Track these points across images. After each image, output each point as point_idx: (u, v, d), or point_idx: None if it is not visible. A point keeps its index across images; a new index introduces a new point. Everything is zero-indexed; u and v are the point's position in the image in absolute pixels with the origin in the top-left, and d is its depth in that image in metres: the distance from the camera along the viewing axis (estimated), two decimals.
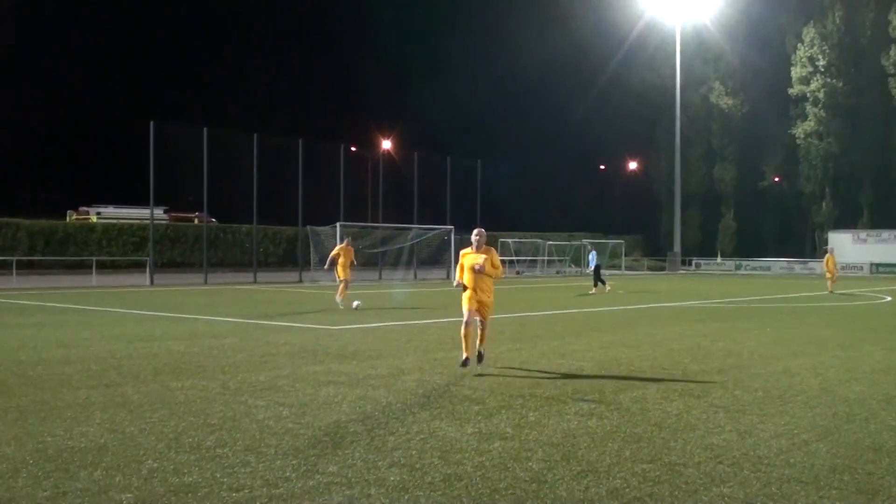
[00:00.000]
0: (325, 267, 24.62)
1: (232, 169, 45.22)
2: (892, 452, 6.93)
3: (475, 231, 11.20)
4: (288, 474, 6.13)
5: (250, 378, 10.53)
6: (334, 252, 23.60)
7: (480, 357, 11.24)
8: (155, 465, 6.36)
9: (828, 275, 34.13)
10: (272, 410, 8.49)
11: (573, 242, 61.97)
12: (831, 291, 33.19)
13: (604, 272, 35.69)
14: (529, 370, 11.43)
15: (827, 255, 35.09)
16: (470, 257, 11.06)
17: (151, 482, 5.92)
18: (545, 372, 11.29)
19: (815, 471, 6.36)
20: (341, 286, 22.91)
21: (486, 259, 10.95)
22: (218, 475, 6.08)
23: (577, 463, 6.51)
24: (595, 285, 33.07)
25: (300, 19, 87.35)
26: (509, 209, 77.74)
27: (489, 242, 11.66)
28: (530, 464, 6.47)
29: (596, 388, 9.97)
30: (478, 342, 11.22)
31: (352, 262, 23.52)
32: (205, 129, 39.92)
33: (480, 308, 11.12)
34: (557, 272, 57.99)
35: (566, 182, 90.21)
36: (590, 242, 36.99)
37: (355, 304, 21.86)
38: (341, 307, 22.01)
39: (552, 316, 21.43)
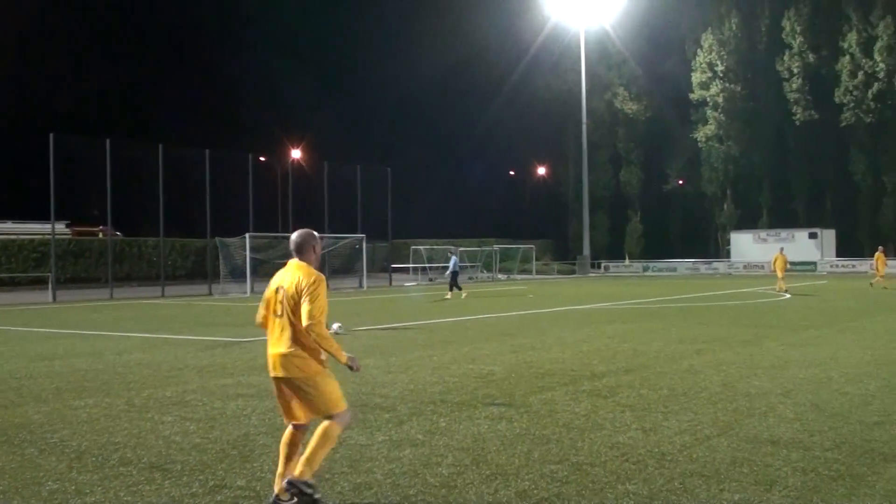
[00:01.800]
0: None
1: (137, 181, 44.20)
2: (789, 444, 7.19)
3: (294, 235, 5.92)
4: (195, 490, 6.04)
5: (157, 394, 10.32)
6: None
7: (295, 491, 5.49)
8: (56, 486, 6.19)
9: (779, 274, 34.00)
10: (179, 426, 8.34)
11: (484, 248, 62.43)
12: (784, 290, 32.97)
13: (515, 276, 36.01)
14: (441, 376, 11.47)
15: (776, 255, 34.98)
16: (275, 280, 5.84)
17: None
18: (456, 377, 11.35)
19: (716, 465, 6.55)
20: None
21: (284, 291, 5.63)
22: (122, 494, 5.95)
23: (486, 466, 6.57)
24: (451, 290, 33.33)
25: (204, 26, 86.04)
26: (421, 216, 77.89)
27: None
28: (440, 469, 6.50)
29: (506, 392, 10.07)
30: (296, 466, 5.59)
31: None
32: (107, 141, 38.92)
33: (287, 394, 5.66)
34: (469, 278, 58.31)
35: (477, 188, 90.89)
36: (451, 248, 36.95)
37: (335, 326, 17.30)
38: None
39: (463, 322, 21.56)
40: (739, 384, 10.43)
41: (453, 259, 35.17)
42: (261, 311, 5.92)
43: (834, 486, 5.92)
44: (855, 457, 6.73)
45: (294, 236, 5.92)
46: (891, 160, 67.33)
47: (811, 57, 69.31)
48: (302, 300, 5.52)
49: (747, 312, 23.64)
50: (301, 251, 5.86)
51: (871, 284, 35.15)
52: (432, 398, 9.72)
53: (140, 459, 6.95)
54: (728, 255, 70.53)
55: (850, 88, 66.90)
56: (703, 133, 73.98)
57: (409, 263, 56.98)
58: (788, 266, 35.49)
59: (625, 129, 79.29)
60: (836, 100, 67.64)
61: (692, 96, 74.17)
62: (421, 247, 58.12)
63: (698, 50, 73.64)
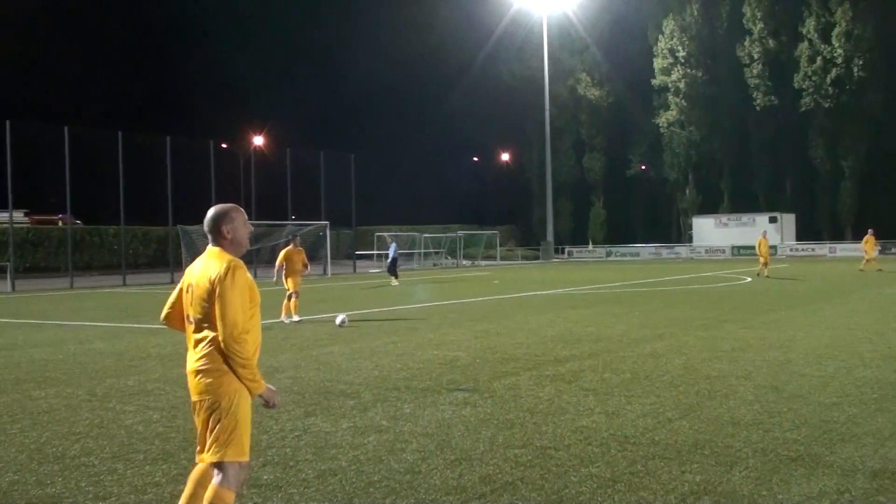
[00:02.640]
0: (275, 279, 19.44)
1: (96, 169, 43.63)
2: (749, 426, 7.29)
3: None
4: (158, 479, 6.00)
5: (119, 383, 10.22)
6: (280, 258, 18.72)
7: None
8: (16, 477, 6.12)
9: (761, 259, 33.38)
10: (142, 415, 8.27)
11: (449, 234, 62.49)
12: (767, 276, 32.32)
13: (479, 262, 36.16)
14: (405, 362, 11.47)
15: (759, 240, 34.29)
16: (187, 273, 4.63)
17: (11, 495, 5.69)
18: (421, 363, 11.36)
19: (678, 446, 6.62)
20: (289, 301, 18.11)
21: (193, 289, 4.48)
22: (83, 484, 5.89)
23: (450, 452, 6.59)
24: (395, 277, 33.84)
25: (164, 11, 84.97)
26: (385, 203, 77.76)
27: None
28: (405, 455, 6.51)
29: (470, 378, 10.10)
30: None
31: (304, 265, 18.67)
32: (66, 129, 38.37)
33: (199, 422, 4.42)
34: (434, 264, 58.36)
35: (441, 175, 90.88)
36: (390, 235, 36.82)
37: (340, 318, 16.51)
38: (288, 323, 17.48)
39: (428, 308, 21.57)
40: (701, 367, 10.55)
41: (392, 246, 35.34)
42: (165, 308, 4.77)
43: (793, 466, 6.02)
44: (813, 437, 6.84)
45: (208, 214, 4.53)
46: (848, 145, 68.28)
47: (771, 43, 69.96)
48: (215, 302, 4.23)
49: (709, 296, 23.89)
50: (212, 233, 4.48)
51: (860, 270, 34.90)
52: (397, 384, 9.73)
53: (102, 449, 6.89)
54: (690, 239, 71.23)
55: (809, 74, 67.65)
56: (664, 119, 74.48)
57: (373, 250, 56.87)
58: (770, 255, 34.96)
59: (587, 114, 79.57)
60: (796, 85, 68.39)
61: (654, 82, 74.60)
62: (385, 233, 58.05)
63: (660, 36, 74.03)
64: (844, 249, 61.37)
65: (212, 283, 4.25)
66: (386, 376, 10.33)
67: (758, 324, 15.63)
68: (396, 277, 33.78)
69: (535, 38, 72.75)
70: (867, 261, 35.15)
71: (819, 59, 67.25)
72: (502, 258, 66.21)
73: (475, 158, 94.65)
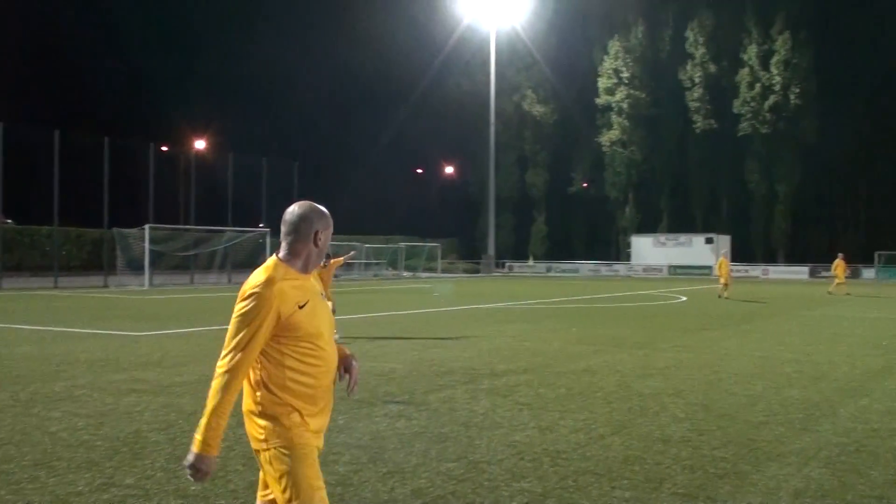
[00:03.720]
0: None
1: (31, 168, 42.66)
2: (678, 443, 7.38)
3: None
4: (80, 488, 5.85)
5: (44, 389, 9.97)
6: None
7: None
8: None
9: (721, 280, 32.46)
10: (67, 422, 8.08)
11: (391, 246, 62.36)
12: (726, 297, 31.31)
13: (420, 274, 36.09)
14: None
15: (720, 260, 33.41)
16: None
17: None
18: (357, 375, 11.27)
19: (608, 463, 6.68)
20: None
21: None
22: (2, 493, 5.73)
23: (383, 464, 6.56)
24: None
25: (108, 9, 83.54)
26: (330, 212, 77.28)
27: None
28: (337, 467, 6.45)
29: (406, 390, 10.07)
30: None
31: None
32: (0, 126, 37.47)
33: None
34: (375, 275, 58.19)
35: (386, 186, 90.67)
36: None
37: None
38: None
39: (367, 319, 21.48)
40: (634, 384, 10.66)
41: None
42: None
43: (720, 484, 6.10)
44: (740, 455, 6.95)
45: (288, 210, 3.70)
46: (783, 170, 69.88)
47: (712, 67, 71.39)
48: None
49: (644, 314, 24.19)
50: (289, 235, 3.61)
51: (829, 293, 35.26)
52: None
53: (24, 456, 6.70)
54: (628, 257, 72.13)
55: (748, 100, 69.17)
56: (607, 138, 75.43)
57: None
58: (731, 277, 34.18)
59: (532, 131, 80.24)
60: (735, 110, 69.87)
61: (598, 101, 75.56)
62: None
63: (605, 56, 75.07)
64: (777, 272, 62.73)
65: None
66: None
67: (691, 342, 15.87)
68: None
69: (483, 54, 73.17)
70: (837, 284, 35.69)
71: (758, 85, 68.82)
72: (443, 271, 66.27)
73: (420, 171, 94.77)
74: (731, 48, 71.02)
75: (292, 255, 3.58)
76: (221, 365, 3.44)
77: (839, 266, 35.55)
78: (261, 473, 3.61)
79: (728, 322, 21.05)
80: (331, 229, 3.74)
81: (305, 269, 3.59)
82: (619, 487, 6.00)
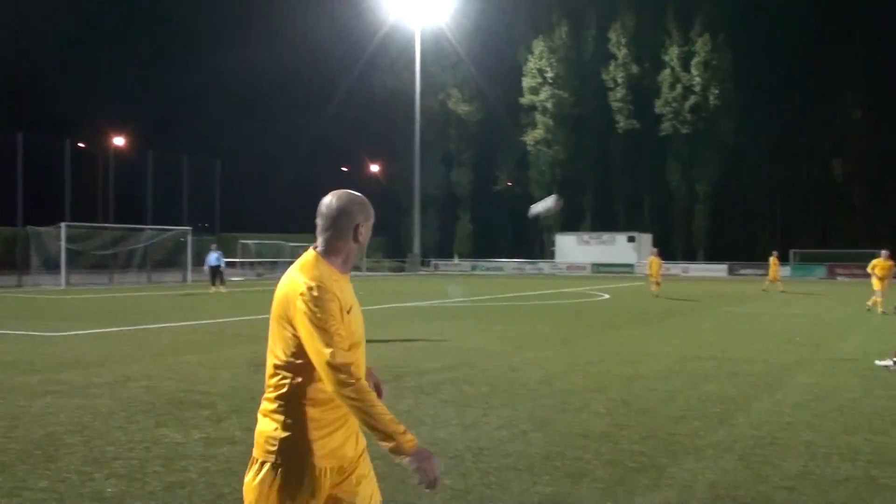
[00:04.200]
0: None
1: None
2: (599, 438, 7.49)
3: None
4: None
5: None
6: None
7: None
8: None
9: (651, 279, 32.38)
10: None
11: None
12: (656, 295, 31.24)
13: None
14: (263, 372, 11.25)
15: (651, 258, 33.24)
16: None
17: None
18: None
19: (530, 458, 6.75)
20: None
21: (274, 306, 3.29)
22: None
23: None
24: (220, 283, 34.48)
25: (22, 4, 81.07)
26: (251, 210, 76.37)
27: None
28: (238, 479, 6.38)
29: None
30: None
31: None
32: None
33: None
34: None
35: (310, 184, 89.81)
36: (214, 243, 36.69)
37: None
38: None
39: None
40: (556, 381, 10.78)
41: (213, 255, 35.01)
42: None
43: (638, 478, 6.22)
44: (659, 449, 7.09)
45: (325, 201, 3.38)
46: (703, 170, 71.40)
47: (634, 68, 72.56)
48: (297, 325, 3.10)
49: (568, 312, 24.48)
50: (329, 230, 3.30)
51: (763, 290, 35.95)
52: (253, 395, 9.52)
53: None
54: (553, 256, 72.86)
55: (669, 100, 70.48)
56: (531, 137, 76.06)
57: (237, 258, 55.76)
58: (663, 269, 34.42)
59: (457, 129, 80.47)
60: (657, 110, 71.13)
61: (522, 101, 76.12)
62: (249, 241, 56.99)
63: (529, 56, 75.67)
64: (697, 269, 64.05)
65: (296, 303, 3.12)
66: (242, 386, 10.13)
67: (612, 339, 16.12)
68: (214, 284, 34.14)
69: (409, 52, 73.11)
70: (770, 281, 36.54)
71: (679, 86, 70.18)
72: (368, 269, 66.05)
73: (345, 169, 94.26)
74: (652, 49, 72.24)
75: (331, 252, 3.25)
76: (337, 377, 2.99)
77: (774, 264, 36.56)
78: (254, 481, 3.21)
79: (649, 319, 21.43)
80: (372, 220, 3.36)
81: (346, 269, 3.29)
82: (539, 483, 6.07)
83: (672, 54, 70.64)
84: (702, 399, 9.53)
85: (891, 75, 65.55)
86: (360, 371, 3.16)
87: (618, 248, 67.85)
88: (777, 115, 70.64)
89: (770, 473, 6.39)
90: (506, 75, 77.10)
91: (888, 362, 12.22)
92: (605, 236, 70.01)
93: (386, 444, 3.04)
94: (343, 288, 3.18)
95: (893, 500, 5.81)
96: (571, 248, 70.95)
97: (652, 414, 8.64)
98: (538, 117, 75.58)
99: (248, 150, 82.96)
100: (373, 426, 3.03)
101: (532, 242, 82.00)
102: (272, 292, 3.33)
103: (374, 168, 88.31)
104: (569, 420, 8.32)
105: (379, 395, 3.37)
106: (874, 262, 24.42)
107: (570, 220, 77.23)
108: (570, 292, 35.90)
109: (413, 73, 70.77)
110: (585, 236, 71.67)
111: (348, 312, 3.13)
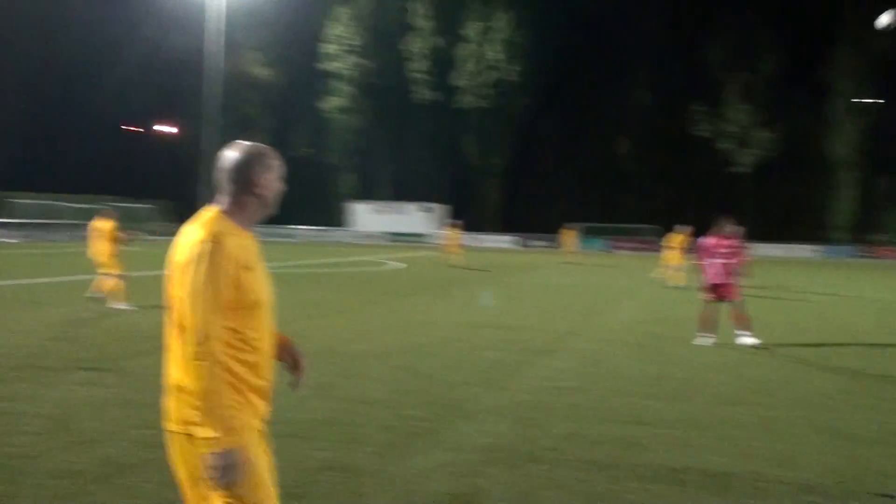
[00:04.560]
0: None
1: None
2: (375, 403, 7.60)
3: None
4: None
5: None
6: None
7: None
8: None
9: (448, 249, 31.99)
10: None
11: (98, 206, 58.82)
12: (451, 265, 31.22)
13: (149, 238, 34.77)
14: (27, 339, 10.64)
15: (448, 229, 32.64)
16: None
17: None
18: (46, 340, 10.60)
19: (310, 424, 6.75)
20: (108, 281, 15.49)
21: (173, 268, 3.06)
22: None
23: (72, 433, 6.22)
24: None
25: None
26: (18, 166, 71.41)
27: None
28: (21, 438, 6.06)
29: (105, 356, 9.59)
30: None
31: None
32: None
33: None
34: (84, 237, 54.73)
35: (94, 144, 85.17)
36: None
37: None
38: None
39: (56, 283, 20.19)
40: (341, 347, 10.82)
41: None
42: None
43: (412, 441, 6.36)
44: (437, 415, 7.27)
45: (222, 155, 3.21)
46: (498, 143, 73.48)
47: (435, 41, 73.34)
48: (183, 278, 2.91)
49: (358, 279, 24.60)
50: (227, 185, 3.14)
51: (566, 262, 37.53)
52: (18, 363, 9.00)
53: None
54: (348, 224, 72.86)
55: (469, 74, 71.86)
56: (331, 104, 75.53)
57: (5, 218, 52.26)
58: (460, 240, 33.94)
59: (255, 93, 78.63)
60: (456, 83, 72.32)
61: (324, 67, 75.34)
62: (25, 200, 53.48)
63: (333, 23, 74.89)
64: (490, 241, 66.00)
65: (185, 263, 2.96)
66: (6, 353, 9.52)
67: (401, 307, 16.34)
68: None
69: (207, 11, 70.49)
70: (570, 253, 39.00)
71: (478, 61, 71.59)
72: (154, 232, 63.61)
73: (133, 128, 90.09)
74: (454, 23, 73.16)
75: (230, 207, 3.10)
76: (195, 339, 2.81)
77: (568, 235, 38.65)
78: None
79: (438, 288, 21.88)
80: (275, 172, 3.18)
81: (248, 224, 3.14)
82: (318, 448, 6.09)
83: (473, 29, 71.90)
84: (481, 365, 9.84)
85: (674, 58, 69.39)
86: (259, 333, 3.03)
87: (414, 218, 68.83)
88: (570, 94, 73.57)
89: (538, 435, 6.70)
90: (308, 41, 75.84)
91: (750, 340, 12.04)
92: (402, 206, 70.77)
93: (206, 433, 2.80)
94: (243, 245, 3.03)
95: (643, 456, 6.23)
96: (367, 217, 71.29)
97: (432, 380, 8.84)
98: (338, 84, 75.06)
99: (23, 104, 77.44)
100: (208, 409, 2.79)
101: (328, 211, 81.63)
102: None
103: (165, 129, 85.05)
104: (351, 387, 8.37)
105: (297, 367, 3.37)
106: (672, 235, 24.79)
107: (367, 189, 77.48)
108: (364, 261, 36.03)
109: (212, 32, 68.33)
110: (381, 205, 72.12)
111: (248, 270, 2.97)
